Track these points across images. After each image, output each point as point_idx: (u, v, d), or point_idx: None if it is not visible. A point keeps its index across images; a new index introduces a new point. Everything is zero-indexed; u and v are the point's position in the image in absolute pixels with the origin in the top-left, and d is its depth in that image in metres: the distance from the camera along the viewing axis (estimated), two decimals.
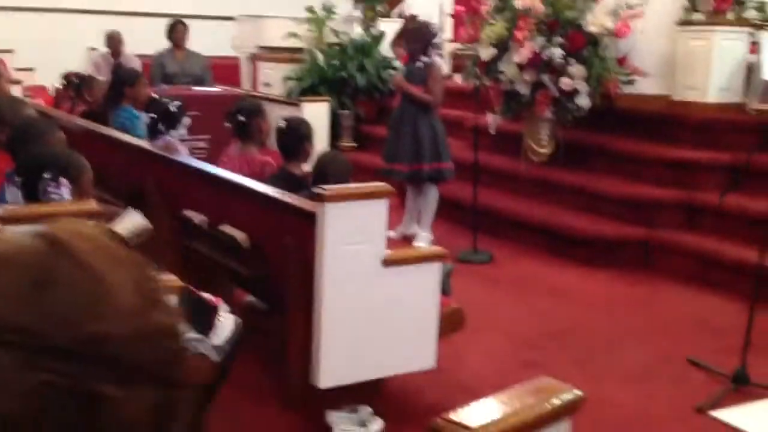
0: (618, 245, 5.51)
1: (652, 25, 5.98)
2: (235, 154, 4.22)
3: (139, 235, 2.50)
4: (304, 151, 3.88)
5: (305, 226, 3.11)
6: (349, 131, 8.55)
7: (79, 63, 9.82)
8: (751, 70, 5.88)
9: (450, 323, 3.31)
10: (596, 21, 5.70)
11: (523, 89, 6.05)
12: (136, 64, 8.28)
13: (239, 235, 3.75)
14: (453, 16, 6.70)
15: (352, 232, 3.02)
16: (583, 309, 4.76)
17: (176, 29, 8.45)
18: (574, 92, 5.89)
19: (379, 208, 3.06)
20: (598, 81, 5.83)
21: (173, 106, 4.60)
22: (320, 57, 8.55)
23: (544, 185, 6.24)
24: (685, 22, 6.00)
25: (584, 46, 5.82)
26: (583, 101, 5.89)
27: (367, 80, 8.42)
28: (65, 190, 2.58)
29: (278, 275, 3.49)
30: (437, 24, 9.79)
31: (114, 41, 8.24)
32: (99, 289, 0.65)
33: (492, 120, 6.38)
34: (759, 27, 5.96)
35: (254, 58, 9.77)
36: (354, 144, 8.56)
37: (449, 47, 9.41)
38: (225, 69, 9.57)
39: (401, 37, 5.83)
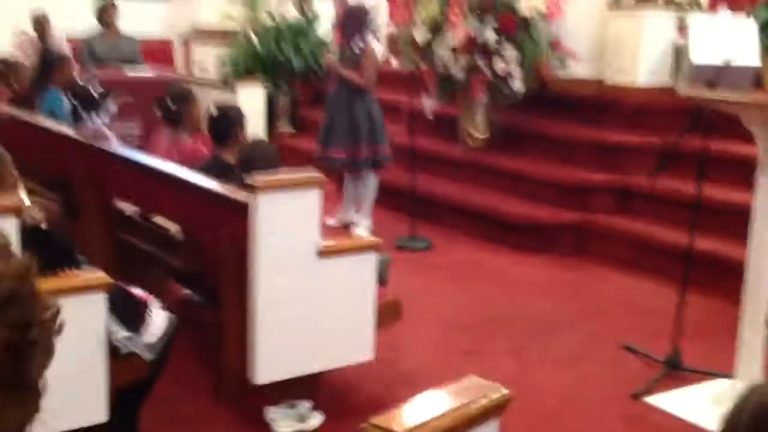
0: (553, 230, 5.58)
1: (583, 9, 6.05)
2: (165, 142, 4.13)
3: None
4: (235, 138, 3.81)
5: (238, 216, 3.05)
6: (286, 115, 8.46)
7: (6, 44, 9.52)
8: (680, 53, 5.97)
9: (387, 314, 3.30)
10: (529, 4, 5.72)
11: (458, 73, 6.06)
12: (65, 47, 8.04)
13: (172, 227, 3.68)
14: None
15: (286, 223, 2.98)
16: (519, 295, 4.80)
17: (107, 11, 8.23)
18: (508, 76, 5.92)
19: (312, 198, 3.02)
20: (531, 65, 5.87)
21: (95, 92, 4.47)
22: (255, 39, 8.41)
23: (481, 170, 6.27)
24: (615, 5, 6.06)
25: (516, 29, 5.85)
26: (517, 85, 5.93)
27: (303, 63, 8.32)
28: None
29: (213, 267, 3.43)
30: (373, 5, 9.77)
31: (40, 23, 7.97)
32: None
33: (428, 104, 6.39)
34: (686, 10, 6.06)
35: (188, 41, 9.58)
36: (291, 128, 8.47)
37: (385, 30, 9.38)
38: (158, 51, 9.36)
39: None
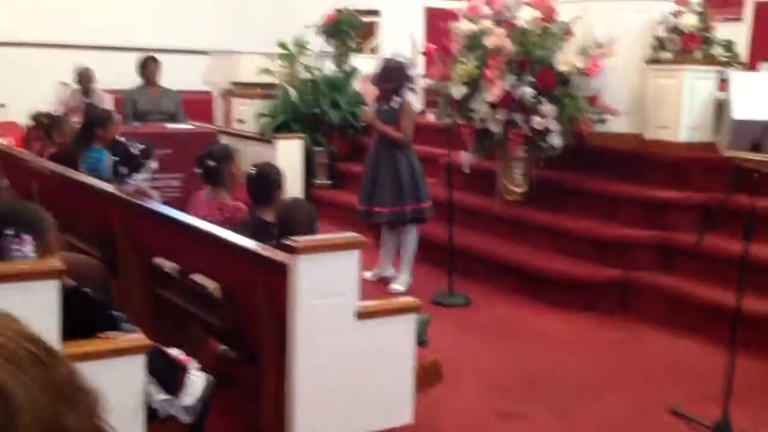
0: (594, 287, 5.48)
1: (621, 64, 6.01)
2: (205, 200, 4.14)
3: None
4: (275, 198, 3.81)
5: (277, 277, 3.03)
6: (324, 168, 8.50)
7: (50, 98, 9.73)
8: (721, 108, 5.92)
9: (427, 376, 3.24)
10: (566, 60, 5.71)
11: (495, 128, 6.04)
12: (107, 101, 8.20)
13: (211, 285, 3.67)
14: (424, 53, 6.67)
15: (325, 285, 2.95)
16: (561, 354, 4.70)
17: (148, 66, 8.38)
18: (546, 131, 5.89)
19: (352, 260, 2.99)
20: (569, 120, 5.84)
21: (135, 149, 4.51)
22: (293, 93, 8.51)
23: (519, 225, 6.21)
24: (654, 61, 6.03)
25: (555, 84, 5.83)
26: (556, 140, 5.89)
27: (340, 117, 8.38)
28: (28, 247, 2.50)
29: (251, 326, 3.41)
30: (410, 60, 9.85)
31: (84, 78, 8.15)
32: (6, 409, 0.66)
33: (465, 158, 6.37)
34: (727, 65, 6.02)
35: (227, 94, 9.71)
36: (329, 181, 8.50)
37: (422, 83, 9.44)
38: (197, 104, 9.51)
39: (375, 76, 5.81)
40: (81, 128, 5.40)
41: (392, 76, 5.50)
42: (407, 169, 5.49)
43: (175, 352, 2.81)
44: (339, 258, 2.96)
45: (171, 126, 8.02)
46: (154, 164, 4.37)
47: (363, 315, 3.02)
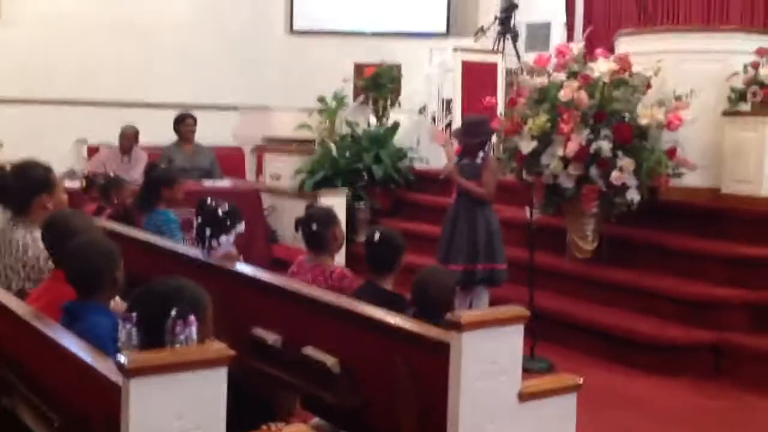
0: (685, 350, 5.21)
1: (696, 116, 5.83)
2: (308, 265, 3.87)
3: None
4: (396, 266, 3.55)
5: (430, 355, 2.76)
6: (366, 225, 8.24)
7: (67, 156, 9.48)
8: None
9: None
10: (648, 113, 5.52)
11: (567, 183, 5.83)
12: (144, 160, 7.95)
13: (329, 360, 3.38)
14: (486, 107, 6.45)
15: (489, 364, 2.68)
16: (662, 425, 4.42)
17: (185, 122, 8.17)
18: (623, 186, 5.68)
19: (516, 335, 2.73)
20: (648, 174, 5.64)
21: (221, 211, 4.25)
22: (333, 148, 8.29)
23: (593, 283, 5.96)
24: (732, 113, 5.86)
25: (632, 138, 5.64)
26: (632, 195, 5.68)
27: (383, 171, 8.16)
28: (193, 329, 2.22)
29: (376, 406, 3.12)
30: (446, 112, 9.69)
31: (129, 137, 7.90)
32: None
33: (531, 215, 6.13)
34: None
35: (259, 149, 9.49)
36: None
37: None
38: (228, 160, 9.30)
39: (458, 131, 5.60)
40: (145, 188, 5.14)
41: (477, 131, 5.30)
42: (483, 227, 5.26)
43: None
44: (503, 333, 2.69)
45: (212, 183, 7.79)
46: (241, 226, 4.10)
47: (526, 396, 2.74)
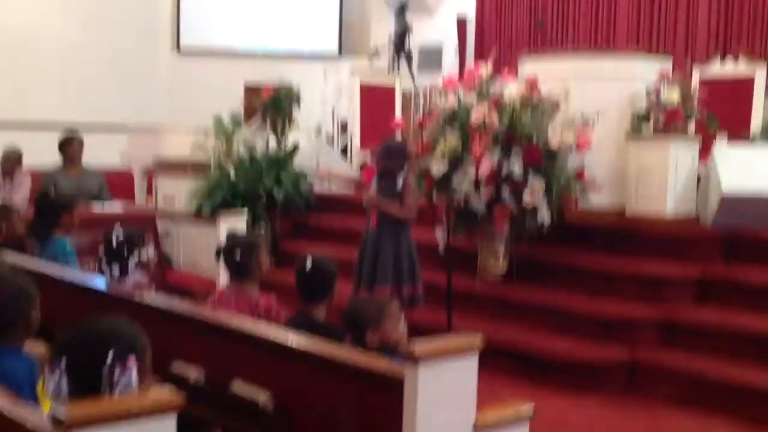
0: (600, 369, 5.23)
1: (601, 138, 5.94)
2: (231, 295, 3.64)
3: None
4: (329, 295, 3.37)
5: (377, 392, 2.61)
6: (266, 247, 7.97)
7: None
8: (702, 181, 5.93)
9: None
10: (557, 135, 5.57)
11: (479, 205, 5.81)
12: (27, 185, 7.46)
13: (261, 396, 3.16)
14: (395, 128, 6.37)
15: (445, 398, 2.54)
16: None
17: (71, 144, 7.69)
18: (534, 208, 5.70)
19: (471, 365, 2.61)
20: (559, 196, 5.68)
21: (120, 239, 3.97)
22: (232, 171, 8.02)
23: (505, 304, 5.95)
24: (636, 136, 5.99)
25: (541, 160, 5.67)
26: (545, 216, 5.70)
27: (284, 194, 7.94)
28: (133, 373, 1.99)
29: None
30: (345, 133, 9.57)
31: (12, 161, 7.37)
32: None
33: (440, 237, 6.07)
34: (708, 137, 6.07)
35: (150, 172, 9.09)
36: (271, 261, 7.98)
37: (357, 157, 9.17)
38: (117, 183, 8.84)
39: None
40: (39, 215, 4.76)
41: (394, 154, 5.19)
42: (406, 249, 5.16)
43: None
44: (459, 364, 2.57)
45: (99, 209, 7.35)
46: (149, 251, 3.83)
47: (481, 428, 2.62)
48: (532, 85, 5.69)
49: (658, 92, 5.76)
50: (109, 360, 1.97)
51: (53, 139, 7.81)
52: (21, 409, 2.09)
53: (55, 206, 4.70)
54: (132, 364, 1.99)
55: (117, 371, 1.97)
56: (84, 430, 1.83)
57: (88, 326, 2.11)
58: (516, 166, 5.58)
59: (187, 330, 3.46)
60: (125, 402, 1.93)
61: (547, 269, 5.98)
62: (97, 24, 10.32)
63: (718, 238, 5.65)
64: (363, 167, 5.72)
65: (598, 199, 5.99)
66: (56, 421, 1.84)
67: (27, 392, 2.34)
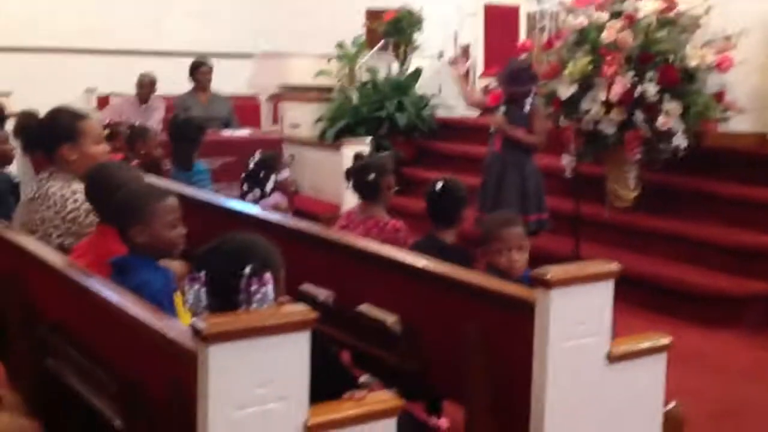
0: (738, 301, 5.01)
1: (743, 58, 5.56)
2: (359, 218, 3.65)
3: None
4: (459, 218, 3.33)
5: (505, 315, 2.57)
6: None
7: (76, 106, 9.16)
8: None
9: (669, 424, 2.77)
10: (697, 54, 5.25)
11: (609, 129, 5.58)
12: (162, 110, 7.69)
13: (389, 318, 3.18)
14: (522, 49, 6.15)
15: (577, 324, 2.47)
16: (727, 380, 4.25)
17: (200, 70, 7.88)
18: (669, 132, 5.43)
19: (606, 292, 2.52)
20: (696, 119, 5.39)
21: (253, 162, 4.04)
22: (355, 96, 8.01)
23: (635, 233, 5.76)
24: None
25: (678, 81, 5.37)
26: (680, 141, 5.43)
27: (407, 119, 7.90)
28: (270, 288, 2.02)
29: (435, 367, 2.94)
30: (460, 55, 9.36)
31: (148, 85, 7.62)
32: None
33: (567, 162, 5.90)
34: None
35: (276, 98, 9.21)
36: (396, 187, 8.00)
37: (480, 83, 8.97)
38: (243, 109, 9.01)
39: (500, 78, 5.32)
40: (181, 141, 4.88)
41: (523, 78, 5.03)
42: (533, 178, 5.05)
43: (423, 414, 2.33)
44: (594, 290, 2.49)
45: (227, 133, 7.53)
46: (285, 173, 3.88)
47: (615, 358, 2.54)
48: (670, 1, 5.36)
49: None
50: (246, 273, 2.00)
51: (181, 66, 8.02)
52: (163, 320, 2.17)
53: (190, 129, 4.82)
54: (268, 279, 2.02)
55: (254, 285, 2.00)
56: (224, 343, 1.87)
57: (227, 241, 2.15)
58: (650, 88, 5.31)
59: (316, 252, 3.50)
60: (263, 316, 1.96)
61: (681, 197, 5.73)
62: None
63: None
64: (488, 91, 5.57)
65: (738, 124, 5.65)
66: (198, 333, 1.89)
67: (165, 304, 2.42)
